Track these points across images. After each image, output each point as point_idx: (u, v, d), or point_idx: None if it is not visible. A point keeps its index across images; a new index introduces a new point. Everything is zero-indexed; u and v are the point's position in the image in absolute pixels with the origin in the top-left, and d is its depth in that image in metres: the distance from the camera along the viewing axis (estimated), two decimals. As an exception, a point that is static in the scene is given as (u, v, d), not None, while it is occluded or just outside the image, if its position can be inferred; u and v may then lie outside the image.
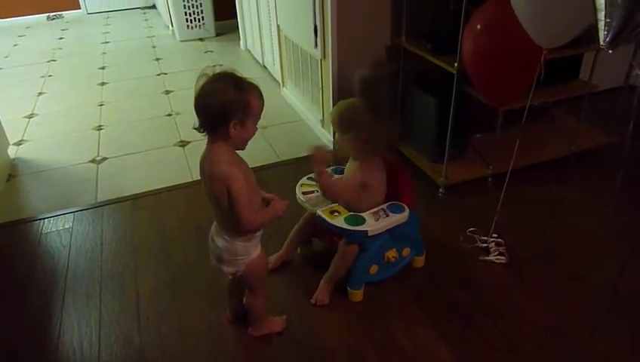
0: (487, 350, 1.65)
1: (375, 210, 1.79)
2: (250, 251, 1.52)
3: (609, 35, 1.17)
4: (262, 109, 1.38)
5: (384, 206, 1.81)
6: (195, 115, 1.35)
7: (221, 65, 4.48)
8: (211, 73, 1.34)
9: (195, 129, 1.37)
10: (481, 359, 1.62)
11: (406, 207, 1.81)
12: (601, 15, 1.16)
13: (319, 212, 1.78)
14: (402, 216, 1.78)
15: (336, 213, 1.77)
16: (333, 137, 2.86)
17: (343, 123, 1.74)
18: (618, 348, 1.62)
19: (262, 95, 1.38)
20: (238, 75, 1.36)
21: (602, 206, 2.32)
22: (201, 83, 1.33)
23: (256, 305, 1.67)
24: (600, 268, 1.94)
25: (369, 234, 1.72)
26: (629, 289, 1.81)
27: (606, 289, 1.83)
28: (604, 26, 1.16)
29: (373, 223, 1.73)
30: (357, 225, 1.72)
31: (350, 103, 1.77)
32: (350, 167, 1.86)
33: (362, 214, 1.76)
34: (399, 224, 1.79)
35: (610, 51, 1.20)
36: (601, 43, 1.21)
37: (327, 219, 1.75)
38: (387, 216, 1.77)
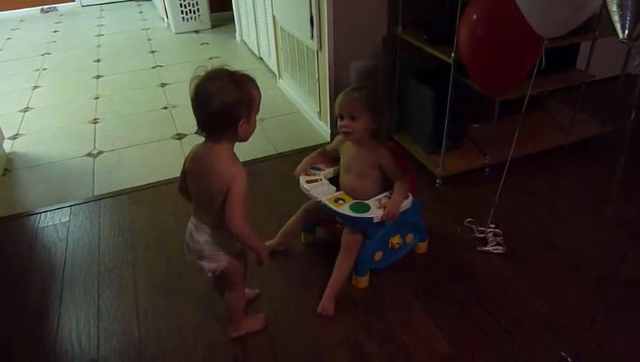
0: (485, 341, 1.65)
1: (379, 196, 1.80)
2: (234, 245, 1.50)
3: (626, 27, 1.11)
4: (260, 99, 1.37)
5: (388, 193, 1.82)
6: (196, 119, 1.32)
7: (218, 57, 4.46)
8: (203, 73, 1.29)
9: (196, 133, 1.35)
10: (479, 350, 1.62)
11: (409, 193, 1.82)
12: (614, 6, 1.11)
13: (324, 200, 1.79)
14: (406, 203, 1.79)
15: (341, 201, 1.78)
16: (331, 130, 2.87)
17: (368, 105, 1.75)
18: (615, 340, 1.63)
19: (257, 85, 1.37)
20: (232, 69, 1.33)
21: (599, 195, 2.32)
22: (196, 85, 1.29)
23: (236, 303, 1.64)
24: (598, 259, 1.95)
25: (374, 220, 1.73)
26: (626, 279, 1.82)
27: (604, 280, 1.84)
28: (619, 18, 1.11)
29: (378, 210, 1.74)
30: (362, 213, 1.73)
31: (365, 86, 1.82)
32: (360, 155, 1.84)
33: (367, 201, 1.77)
34: (403, 210, 1.79)
35: (631, 45, 1.14)
36: (620, 37, 1.14)
37: (333, 206, 1.76)
38: None
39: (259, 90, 1.36)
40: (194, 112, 1.32)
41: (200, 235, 1.46)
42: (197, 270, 1.53)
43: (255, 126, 1.39)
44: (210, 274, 1.52)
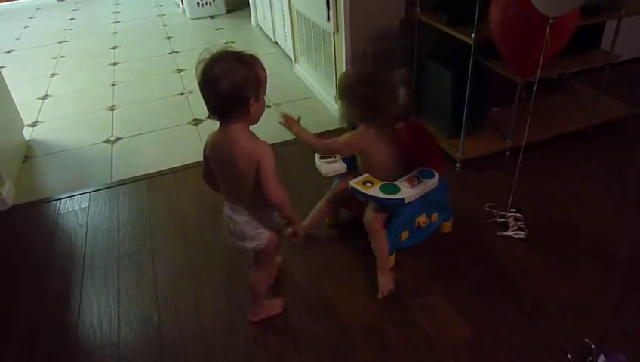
0: (506, 326, 1.63)
1: (408, 176, 1.81)
2: (274, 220, 1.51)
3: None
4: (267, 78, 1.36)
5: (415, 172, 1.83)
6: (206, 103, 1.33)
7: (234, 42, 4.44)
8: (208, 56, 1.29)
9: (208, 118, 1.35)
10: (500, 335, 1.60)
11: (435, 172, 1.83)
12: None
13: (352, 184, 1.80)
14: (433, 182, 1.81)
15: (369, 184, 1.79)
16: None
17: (347, 91, 1.77)
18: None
19: (263, 64, 1.35)
20: (236, 50, 1.33)
21: (622, 179, 2.27)
22: (203, 68, 1.29)
23: (260, 283, 1.66)
24: (621, 243, 1.91)
25: (406, 201, 1.74)
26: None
27: (627, 264, 1.80)
28: None
29: (408, 190, 1.76)
30: (393, 194, 1.74)
31: (347, 73, 1.88)
32: None
33: (395, 182, 1.79)
34: (431, 189, 1.81)
35: None
36: None
37: (362, 189, 1.77)
38: (420, 182, 1.79)
39: (264, 69, 1.35)
40: (203, 96, 1.32)
41: (239, 216, 1.48)
42: (240, 249, 1.55)
43: (264, 106, 1.39)
44: (252, 251, 1.55)
